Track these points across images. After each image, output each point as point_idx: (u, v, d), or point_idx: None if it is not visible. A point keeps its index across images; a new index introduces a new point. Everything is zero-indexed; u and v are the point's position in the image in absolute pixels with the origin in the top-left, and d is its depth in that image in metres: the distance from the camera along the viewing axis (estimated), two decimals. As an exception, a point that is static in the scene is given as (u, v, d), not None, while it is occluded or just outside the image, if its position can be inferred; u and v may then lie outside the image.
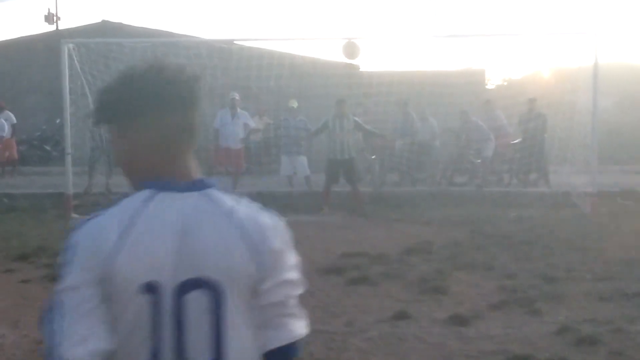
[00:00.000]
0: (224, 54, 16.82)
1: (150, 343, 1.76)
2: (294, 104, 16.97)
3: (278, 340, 1.88)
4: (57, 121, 21.35)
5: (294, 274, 1.91)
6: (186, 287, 1.76)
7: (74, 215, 13.00)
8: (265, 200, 13.97)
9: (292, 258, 1.92)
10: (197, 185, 1.87)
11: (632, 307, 6.96)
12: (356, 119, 13.85)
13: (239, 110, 16.44)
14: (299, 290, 1.94)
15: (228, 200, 1.88)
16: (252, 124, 17.14)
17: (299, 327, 1.96)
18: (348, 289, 7.86)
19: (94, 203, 14.33)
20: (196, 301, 1.76)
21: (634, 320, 6.51)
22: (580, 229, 11.27)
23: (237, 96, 16.39)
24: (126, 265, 1.73)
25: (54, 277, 8.18)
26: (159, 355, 1.76)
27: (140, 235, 1.77)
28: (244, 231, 1.82)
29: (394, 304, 7.16)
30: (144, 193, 1.85)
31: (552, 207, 13.45)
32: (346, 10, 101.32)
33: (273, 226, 1.88)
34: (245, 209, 1.88)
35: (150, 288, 1.75)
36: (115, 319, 1.76)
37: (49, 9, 43.03)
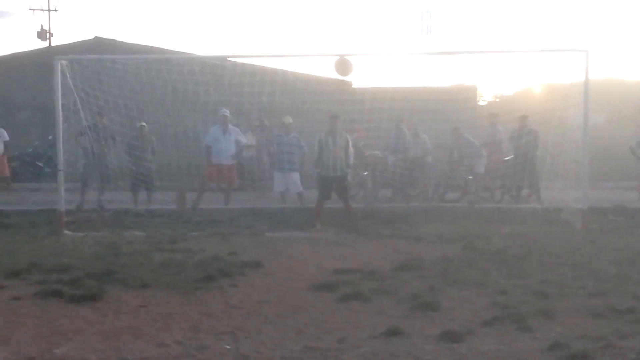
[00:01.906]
0: (216, 71, 16.87)
1: None
2: (288, 120, 17.02)
3: None
4: (50, 137, 21.33)
5: None
6: None
7: (67, 232, 12.98)
8: (258, 216, 13.96)
9: None
10: None
11: (624, 323, 6.96)
12: (348, 136, 13.81)
13: (230, 126, 16.47)
14: None
15: None
16: (244, 140, 17.17)
17: None
18: (340, 305, 7.85)
19: (86, 219, 14.33)
20: None
21: (625, 337, 6.51)
22: (571, 245, 11.30)
23: (227, 113, 16.42)
24: None
25: (46, 294, 8.17)
26: None
27: None
28: None
29: (386, 320, 7.15)
30: None
31: (543, 223, 13.49)
32: (338, 27, 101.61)
33: None
34: None
35: None
36: None
37: (42, 26, 43.25)
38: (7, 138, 19.82)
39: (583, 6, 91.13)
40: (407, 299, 8.00)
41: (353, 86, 22.83)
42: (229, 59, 18.37)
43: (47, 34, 42.82)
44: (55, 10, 44.42)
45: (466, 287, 8.56)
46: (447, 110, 17.18)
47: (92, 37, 28.11)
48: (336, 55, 14.07)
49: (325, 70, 21.91)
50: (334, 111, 14.19)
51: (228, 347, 6.49)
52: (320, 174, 13.79)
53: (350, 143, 13.85)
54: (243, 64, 18.15)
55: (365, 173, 17.55)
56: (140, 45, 26.72)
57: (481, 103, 30.85)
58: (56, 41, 41.52)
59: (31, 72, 25.94)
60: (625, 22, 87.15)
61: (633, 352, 6.11)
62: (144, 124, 16.77)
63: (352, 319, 7.32)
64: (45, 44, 41.10)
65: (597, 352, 6.08)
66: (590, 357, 5.98)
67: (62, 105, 13.53)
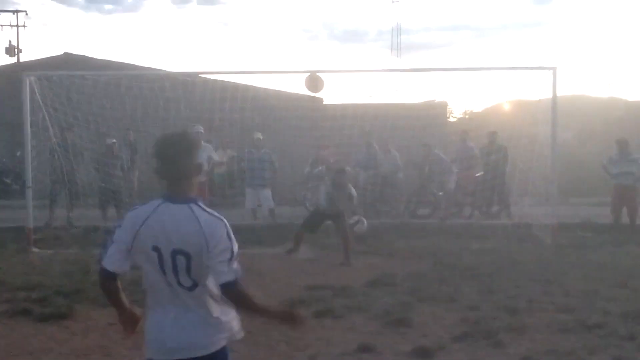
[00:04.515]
0: (188, 87, 16.83)
1: (161, 275, 3.56)
2: (259, 136, 16.99)
3: (220, 280, 3.54)
4: (18, 154, 21.11)
5: (228, 247, 3.57)
6: (174, 252, 3.52)
7: (35, 250, 12.81)
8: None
9: (227, 240, 3.58)
10: (186, 201, 3.60)
11: (593, 338, 7.03)
12: (353, 192, 12.56)
13: (203, 143, 16.39)
14: (234, 254, 3.60)
15: (199, 210, 3.59)
16: (216, 157, 17.11)
17: (231, 273, 3.57)
18: (312, 322, 7.82)
19: (55, 237, 14.16)
20: (180, 259, 3.52)
21: (594, 351, 6.58)
22: (541, 261, 11.39)
23: (201, 129, 16.36)
24: (144, 235, 3.55)
25: (14, 313, 8.05)
26: (166, 279, 3.56)
27: (151, 223, 3.55)
28: (204, 228, 3.52)
29: (358, 337, 7.15)
30: (158, 201, 3.63)
31: (513, 239, 13.58)
32: (309, 43, 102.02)
33: (218, 225, 3.57)
34: (206, 215, 3.58)
35: (156, 249, 3.53)
36: (143, 263, 3.59)
37: (10, 41, 42.80)
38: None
39: (551, 24, 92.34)
40: (378, 315, 8.01)
41: (324, 102, 22.89)
42: (200, 75, 18.35)
43: (16, 50, 42.42)
44: (24, 26, 43.99)
45: (437, 303, 8.59)
46: (417, 126, 17.30)
47: (61, 52, 27.88)
48: (307, 71, 14.12)
49: (297, 86, 21.99)
50: (339, 165, 13.31)
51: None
52: (315, 208, 13.03)
53: (355, 195, 12.74)
54: (214, 80, 18.12)
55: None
56: (111, 61, 26.52)
57: (451, 119, 31.13)
58: (25, 57, 41.18)
59: (-1, 87, 25.63)
60: (592, 39, 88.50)
61: (602, 367, 6.17)
62: (114, 140, 16.67)
63: (323, 335, 7.31)
64: (13, 59, 40.71)
65: (567, 367, 6.12)
66: (560, 372, 6.03)
67: (31, 121, 13.39)
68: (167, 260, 3.52)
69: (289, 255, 12.26)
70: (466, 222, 16.44)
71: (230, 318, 3.79)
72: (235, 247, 3.58)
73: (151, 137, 19.03)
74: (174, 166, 3.59)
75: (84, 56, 26.93)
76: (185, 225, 3.52)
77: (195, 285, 3.57)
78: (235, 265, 3.58)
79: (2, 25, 43.41)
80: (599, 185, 19.27)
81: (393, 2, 68.97)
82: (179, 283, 3.55)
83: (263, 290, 9.48)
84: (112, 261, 3.60)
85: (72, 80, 15.78)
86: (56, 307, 8.22)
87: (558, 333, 7.26)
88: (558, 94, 13.37)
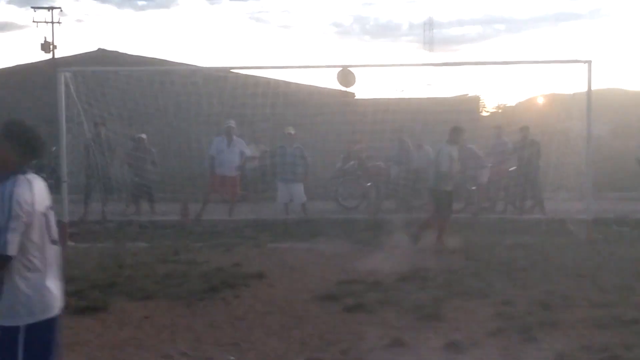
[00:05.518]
0: (220, 82, 16.89)
1: (47, 236, 4.12)
2: (291, 130, 16.98)
3: None
4: (53, 149, 21.33)
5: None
6: (48, 209, 4.20)
7: (71, 243, 12.96)
8: (262, 227, 13.75)
9: None
10: (23, 171, 4.10)
11: (628, 334, 6.95)
12: (471, 146, 12.39)
13: (234, 137, 16.42)
14: None
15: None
16: (248, 151, 17.12)
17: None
18: (344, 316, 7.84)
19: (89, 231, 14.32)
20: (51, 214, 4.24)
21: (630, 347, 6.50)
22: (576, 256, 11.28)
23: (233, 124, 16.38)
24: (38, 203, 4.06)
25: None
26: (47, 237, 4.12)
27: (36, 191, 4.07)
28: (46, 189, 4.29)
29: (390, 332, 7.14)
30: (17, 176, 4.03)
31: (547, 234, 13.46)
32: (341, 38, 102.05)
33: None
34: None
35: (44, 213, 4.12)
36: (34, 232, 4.01)
37: (45, 38, 43.34)
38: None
39: (586, 17, 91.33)
40: (411, 309, 7.99)
41: (356, 97, 22.85)
42: (232, 70, 18.41)
43: (51, 46, 42.93)
44: (59, 22, 44.48)
45: (470, 298, 8.55)
46: (450, 121, 17.18)
47: (95, 49, 28.19)
48: (339, 66, 14.10)
49: (328, 81, 22.01)
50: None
51: (232, 358, 6.49)
52: (445, 189, 12.75)
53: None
54: (246, 76, 18.18)
55: (369, 184, 17.54)
56: (144, 57, 26.81)
57: (484, 114, 30.94)
58: (60, 53, 41.65)
59: (35, 84, 25.98)
60: (628, 32, 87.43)
61: (638, 363, 6.10)
62: (143, 135, 16.79)
63: (356, 330, 7.31)
64: (48, 55, 41.20)
65: (602, 363, 6.06)
66: (595, 368, 5.96)
67: (66, 117, 13.55)
68: (50, 219, 4.19)
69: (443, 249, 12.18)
70: (499, 216, 16.31)
71: None
72: None
73: (184, 133, 19.22)
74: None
75: (117, 52, 27.24)
76: (42, 186, 4.25)
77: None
78: None
79: (37, 22, 44.02)
80: (635, 180, 19.03)
81: (425, -4, 68.61)
82: (53, 239, 4.20)
83: (296, 284, 9.53)
84: (14, 247, 3.96)
85: (106, 76, 15.93)
86: (91, 300, 8.32)
87: (593, 328, 7.19)
88: (593, 87, 13.20)
